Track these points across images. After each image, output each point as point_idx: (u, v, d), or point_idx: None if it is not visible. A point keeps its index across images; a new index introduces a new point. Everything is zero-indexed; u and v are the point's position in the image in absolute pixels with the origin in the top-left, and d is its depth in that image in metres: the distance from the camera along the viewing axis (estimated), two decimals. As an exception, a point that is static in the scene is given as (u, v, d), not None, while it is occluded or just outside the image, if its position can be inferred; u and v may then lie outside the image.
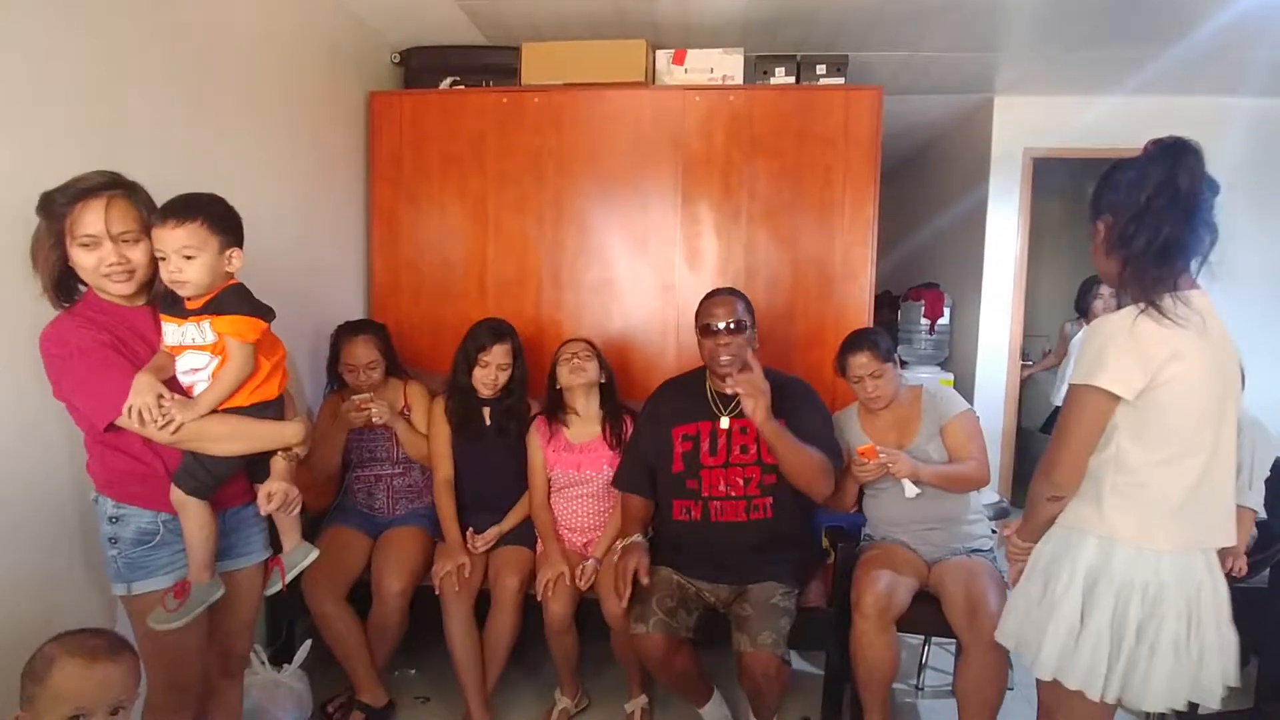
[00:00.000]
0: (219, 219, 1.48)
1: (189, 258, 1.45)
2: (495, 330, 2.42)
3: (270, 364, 1.58)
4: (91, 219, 1.42)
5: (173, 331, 1.51)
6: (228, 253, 1.50)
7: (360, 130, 3.02)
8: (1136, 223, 1.37)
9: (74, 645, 1.22)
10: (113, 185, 1.45)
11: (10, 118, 1.57)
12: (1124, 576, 1.37)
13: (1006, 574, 1.71)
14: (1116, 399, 1.35)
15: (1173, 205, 1.35)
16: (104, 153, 1.73)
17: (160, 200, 1.49)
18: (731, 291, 2.23)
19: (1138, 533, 1.38)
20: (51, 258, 1.45)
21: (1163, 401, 1.34)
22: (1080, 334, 1.53)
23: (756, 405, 1.93)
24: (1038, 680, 1.54)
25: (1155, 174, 1.36)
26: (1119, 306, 1.42)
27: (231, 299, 1.50)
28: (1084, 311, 3.84)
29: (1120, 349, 1.33)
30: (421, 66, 3.14)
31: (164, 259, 1.46)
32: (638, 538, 2.23)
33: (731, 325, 2.13)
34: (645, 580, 2.09)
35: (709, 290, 2.28)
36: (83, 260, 1.44)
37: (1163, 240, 1.35)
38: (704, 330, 2.18)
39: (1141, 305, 1.35)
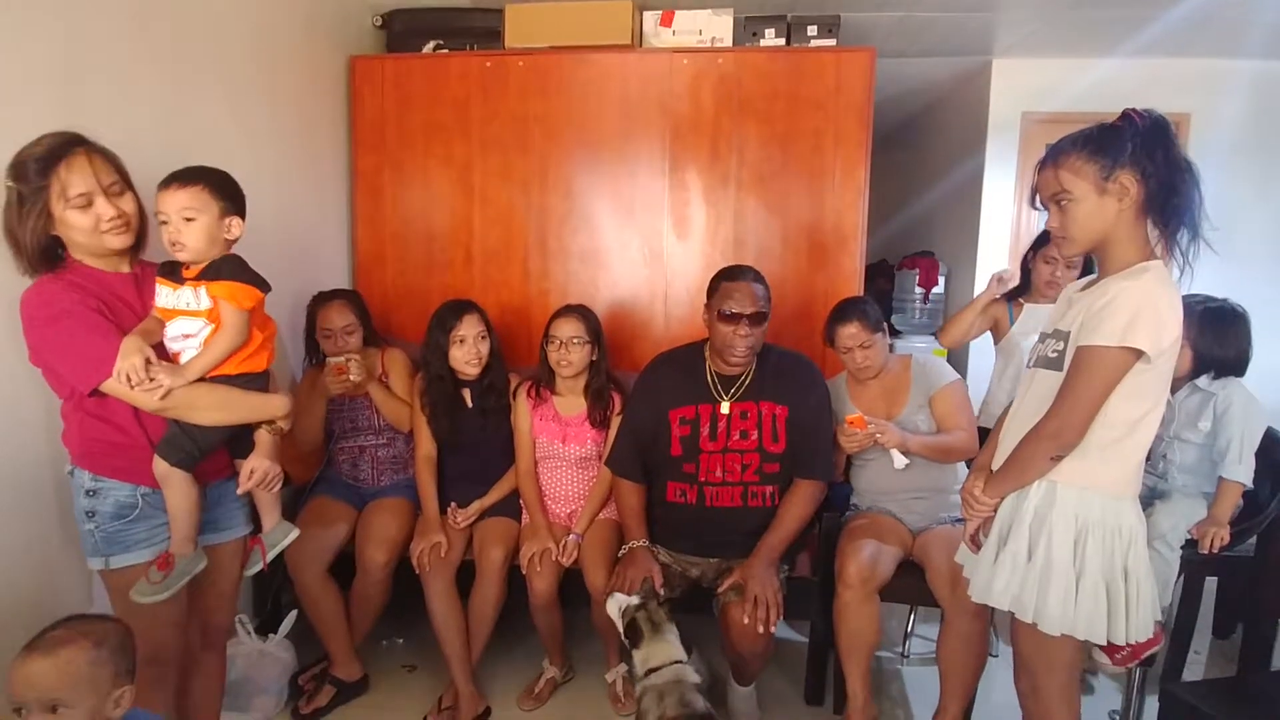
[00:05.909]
0: (220, 185, 1.51)
1: (189, 219, 1.46)
2: (457, 305, 2.36)
3: (263, 336, 1.59)
4: (79, 178, 1.40)
5: (167, 295, 1.50)
6: (227, 220, 1.52)
7: (341, 96, 2.95)
8: (1187, 187, 1.38)
9: (32, 641, 1.17)
10: (80, 141, 1.43)
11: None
12: (1109, 524, 1.42)
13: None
14: (1136, 358, 1.36)
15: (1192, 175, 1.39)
16: (69, 120, 1.66)
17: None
18: (756, 276, 2.13)
19: (1114, 483, 1.44)
20: (37, 226, 1.41)
21: (1164, 363, 1.39)
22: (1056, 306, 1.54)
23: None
24: (1014, 634, 1.57)
25: (1176, 142, 1.38)
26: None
27: (229, 265, 1.51)
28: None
29: (1157, 311, 1.35)
30: (404, 29, 3.05)
31: (165, 222, 1.48)
32: (643, 543, 2.16)
33: (754, 314, 2.06)
34: (662, 591, 2.03)
35: (727, 266, 2.20)
36: (78, 221, 1.42)
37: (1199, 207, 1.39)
38: (722, 315, 2.08)
39: (1165, 268, 1.40)
